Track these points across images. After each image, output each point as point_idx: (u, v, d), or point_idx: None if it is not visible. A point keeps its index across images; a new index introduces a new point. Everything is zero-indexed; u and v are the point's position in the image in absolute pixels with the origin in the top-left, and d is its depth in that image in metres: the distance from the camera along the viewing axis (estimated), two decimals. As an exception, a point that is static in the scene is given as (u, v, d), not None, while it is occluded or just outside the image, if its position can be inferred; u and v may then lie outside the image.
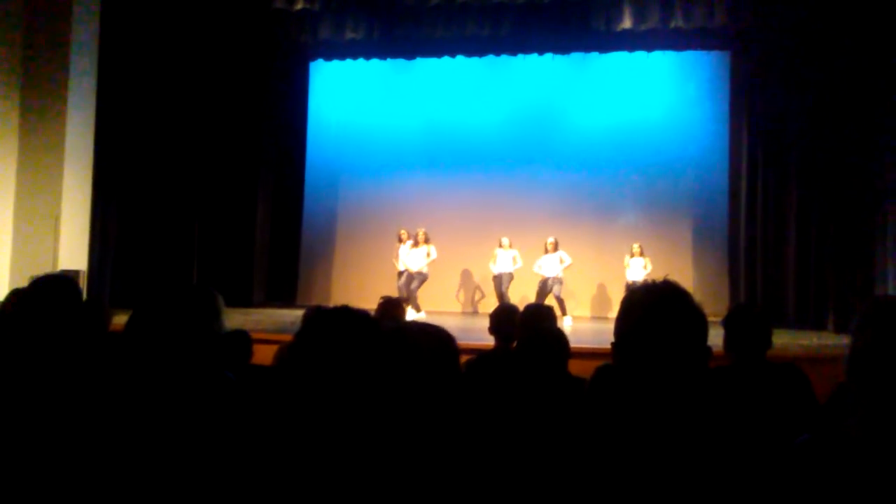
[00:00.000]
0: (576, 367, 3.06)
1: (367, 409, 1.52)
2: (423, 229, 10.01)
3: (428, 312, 10.02)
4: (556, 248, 9.82)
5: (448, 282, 11.28)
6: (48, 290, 2.03)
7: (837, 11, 8.70)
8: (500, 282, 10.02)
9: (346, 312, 1.66)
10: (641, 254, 9.88)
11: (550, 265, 9.76)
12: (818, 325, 8.86)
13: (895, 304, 1.30)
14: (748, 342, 2.47)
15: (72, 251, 8.51)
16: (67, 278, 2.13)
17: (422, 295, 10.02)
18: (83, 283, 8.38)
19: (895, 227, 8.19)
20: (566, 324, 9.00)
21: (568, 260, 9.81)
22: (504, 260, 10.07)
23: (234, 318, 8.10)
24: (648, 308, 1.34)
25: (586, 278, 10.90)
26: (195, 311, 2.29)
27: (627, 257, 9.96)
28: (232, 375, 1.98)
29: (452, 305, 11.40)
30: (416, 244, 9.98)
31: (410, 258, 9.96)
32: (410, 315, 9.18)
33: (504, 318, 3.33)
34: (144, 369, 1.91)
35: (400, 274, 10.06)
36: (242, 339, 2.96)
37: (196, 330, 2.16)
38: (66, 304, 2.01)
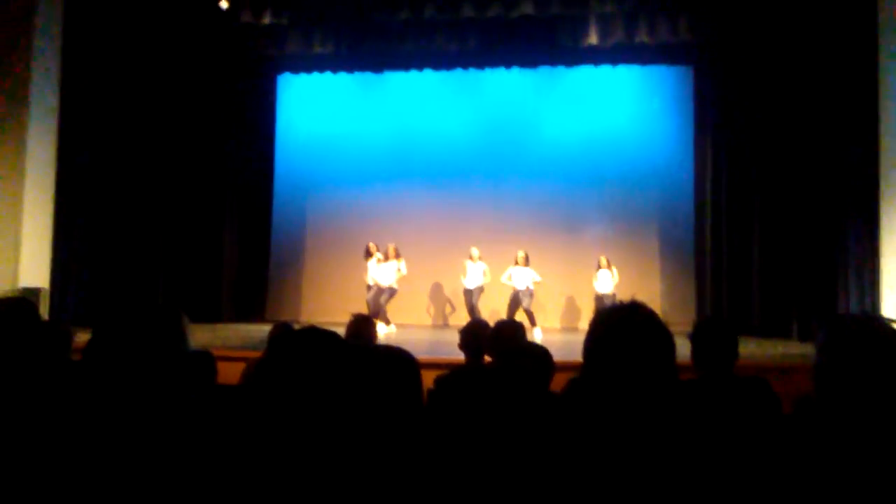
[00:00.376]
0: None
1: (332, 431, 1.50)
2: (393, 244, 9.98)
3: (398, 326, 9.99)
4: (526, 261, 9.85)
5: (418, 295, 11.25)
6: (4, 314, 1.97)
7: (799, 26, 8.91)
8: (470, 296, 10.03)
9: (313, 334, 1.64)
10: (609, 266, 9.97)
11: (521, 278, 9.80)
12: (783, 334, 9.01)
13: (856, 323, 1.32)
14: (715, 357, 2.49)
15: (33, 268, 8.32)
16: (25, 301, 2.07)
17: (392, 308, 9.99)
18: (45, 301, 8.19)
19: (856, 237, 8.38)
20: (536, 336, 9.03)
21: (538, 278, 9.86)
22: (474, 273, 10.08)
23: (202, 335, 7.97)
24: (616, 330, 1.35)
25: (555, 290, 10.96)
26: (158, 331, 2.24)
27: (595, 270, 10.07)
28: (195, 398, 1.94)
29: (423, 318, 11.37)
30: (385, 258, 9.94)
31: (380, 273, 9.92)
32: (380, 329, 9.13)
33: (474, 334, 3.33)
34: (105, 394, 1.86)
35: (369, 288, 10.01)
36: (206, 360, 2.91)
37: (160, 351, 2.11)
38: (24, 328, 1.95)
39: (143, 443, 1.79)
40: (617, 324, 1.37)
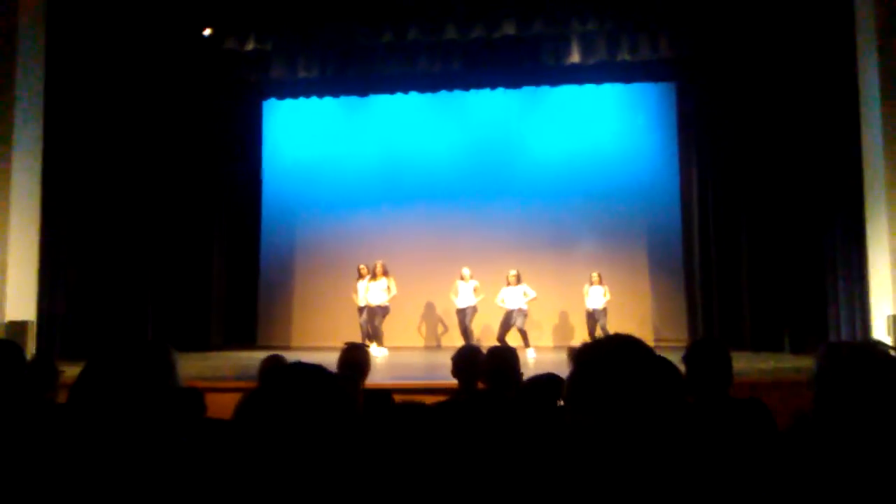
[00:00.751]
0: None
1: (317, 471, 1.47)
2: (381, 262, 9.96)
3: (390, 348, 9.93)
4: (518, 280, 9.82)
5: (409, 316, 11.21)
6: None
7: (778, 41, 9.02)
8: (463, 316, 9.99)
9: (301, 371, 1.60)
10: (600, 282, 9.98)
11: (513, 297, 9.76)
12: (775, 347, 9.01)
13: (852, 350, 1.31)
14: (709, 380, 2.48)
15: (19, 301, 8.22)
16: (10, 344, 2.04)
17: (384, 329, 9.93)
18: (32, 334, 8.10)
19: (844, 248, 8.43)
20: (529, 356, 9.00)
21: (532, 293, 9.82)
22: (466, 292, 10.05)
23: (191, 363, 7.88)
24: (603, 367, 1.33)
25: (547, 308, 10.94)
26: (146, 370, 2.20)
27: (587, 286, 10.05)
28: (185, 439, 1.89)
29: (415, 340, 11.32)
30: (374, 277, 9.90)
31: (370, 293, 9.88)
32: (376, 352, 9.09)
33: (467, 360, 3.29)
34: (91, 437, 1.82)
35: (360, 310, 9.96)
36: (194, 397, 2.86)
37: (147, 391, 2.07)
38: (9, 373, 1.92)
39: (130, 484, 1.75)
40: (603, 360, 1.34)
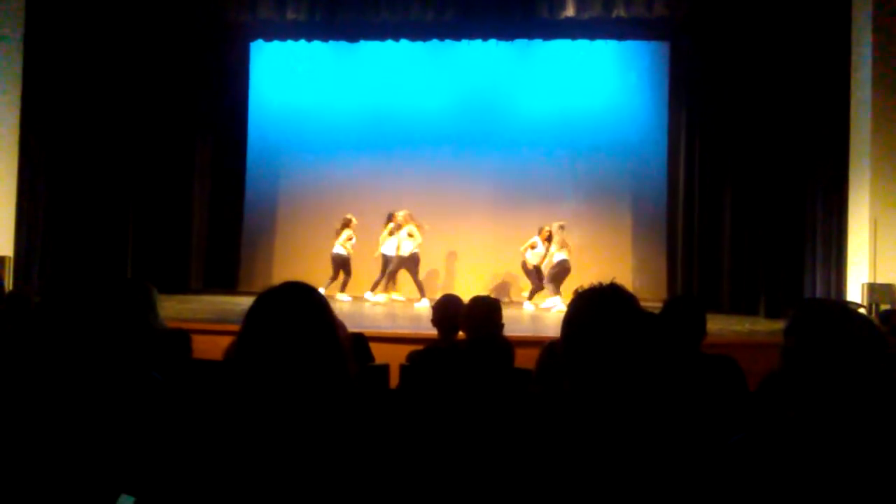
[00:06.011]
0: (522, 356, 3.09)
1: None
2: (402, 212, 9.80)
3: (356, 298, 9.95)
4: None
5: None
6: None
7: (774, 6, 8.94)
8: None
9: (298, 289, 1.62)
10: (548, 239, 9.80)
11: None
12: (750, 311, 9.16)
13: (822, 308, 1.34)
14: (683, 335, 2.52)
15: (-3, 236, 8.15)
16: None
17: (367, 281, 9.96)
18: (9, 270, 8.04)
19: (824, 216, 8.53)
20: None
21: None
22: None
23: (171, 305, 7.88)
24: (594, 312, 1.36)
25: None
26: (122, 304, 2.19)
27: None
28: (159, 376, 1.90)
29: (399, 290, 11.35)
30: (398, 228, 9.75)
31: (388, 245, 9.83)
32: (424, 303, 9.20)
33: (447, 310, 3.31)
34: (59, 370, 1.83)
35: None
36: (181, 338, 2.86)
37: (121, 325, 2.07)
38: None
39: (95, 410, 1.77)
40: (596, 306, 1.38)
